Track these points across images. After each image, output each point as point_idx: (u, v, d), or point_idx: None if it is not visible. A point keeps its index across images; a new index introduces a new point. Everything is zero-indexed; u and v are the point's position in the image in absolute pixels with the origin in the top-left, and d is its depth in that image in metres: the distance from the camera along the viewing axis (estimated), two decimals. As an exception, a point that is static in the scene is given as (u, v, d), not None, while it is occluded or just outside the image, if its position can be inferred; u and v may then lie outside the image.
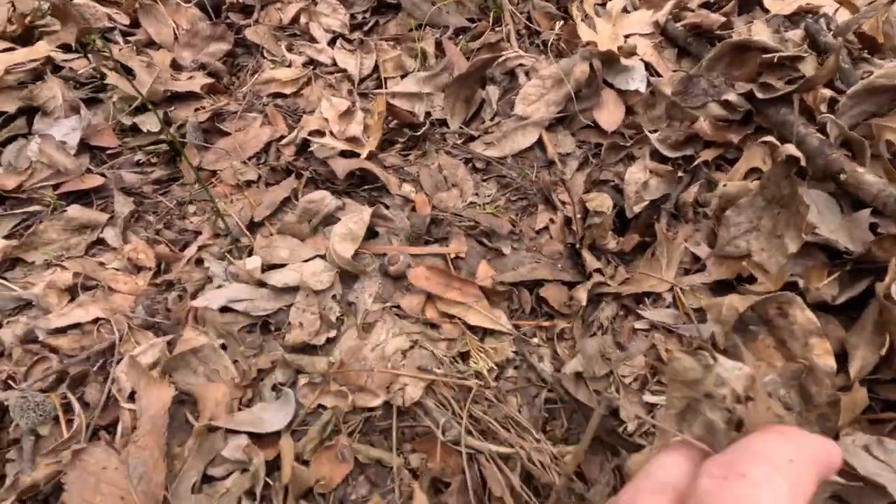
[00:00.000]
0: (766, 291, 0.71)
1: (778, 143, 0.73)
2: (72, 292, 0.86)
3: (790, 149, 0.69)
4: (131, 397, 0.73)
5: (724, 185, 0.81)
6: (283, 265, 0.86)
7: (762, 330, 0.69)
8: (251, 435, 0.69)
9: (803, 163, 0.68)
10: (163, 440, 0.65)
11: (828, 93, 0.84)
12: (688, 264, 0.83)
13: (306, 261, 0.87)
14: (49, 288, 0.83)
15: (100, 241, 0.97)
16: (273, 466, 0.69)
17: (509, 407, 0.70)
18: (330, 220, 0.94)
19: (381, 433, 0.71)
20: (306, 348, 0.77)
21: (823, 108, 0.82)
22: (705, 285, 0.80)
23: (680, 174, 0.95)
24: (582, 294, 0.80)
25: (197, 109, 1.18)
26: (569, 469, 0.64)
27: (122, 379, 0.73)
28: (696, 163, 0.94)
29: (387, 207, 0.98)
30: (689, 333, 0.75)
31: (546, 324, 0.81)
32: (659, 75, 1.10)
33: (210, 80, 1.24)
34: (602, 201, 0.94)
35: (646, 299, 0.81)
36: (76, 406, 0.73)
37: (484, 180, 1.07)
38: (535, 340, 0.79)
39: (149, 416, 0.68)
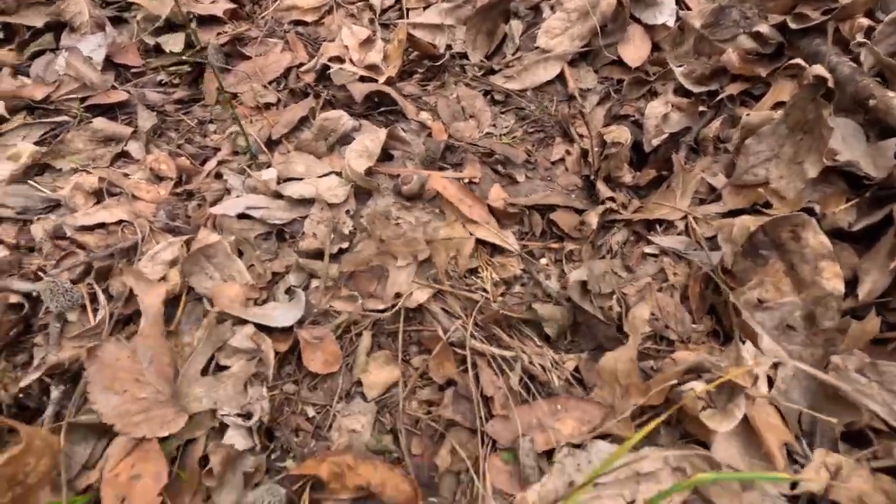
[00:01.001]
0: (781, 217, 0.70)
1: (806, 65, 0.70)
2: (97, 196, 0.89)
3: (818, 69, 0.67)
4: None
5: (748, 115, 0.79)
6: (299, 179, 0.88)
7: (773, 254, 0.68)
8: (261, 328, 0.72)
9: (831, 84, 0.66)
10: (161, 327, 0.69)
11: (865, 21, 0.81)
12: (703, 195, 0.83)
13: (321, 176, 0.88)
14: (76, 189, 0.87)
15: (124, 154, 0.99)
16: (282, 361, 0.72)
17: (513, 318, 0.71)
18: (346, 139, 0.95)
19: (388, 336, 0.74)
20: (319, 255, 0.79)
21: (860, 37, 0.79)
22: (719, 214, 0.79)
23: (702, 109, 0.93)
24: (593, 218, 0.80)
25: (219, 34, 1.19)
26: (567, 373, 0.66)
27: (146, 271, 0.77)
28: (720, 97, 0.92)
29: (403, 132, 0.98)
30: (698, 259, 0.75)
31: (555, 245, 0.82)
32: (688, 9, 1.06)
33: (232, 6, 1.23)
34: (620, 133, 0.93)
35: (657, 226, 0.81)
36: (101, 297, 0.76)
37: (502, 113, 1.07)
38: (543, 261, 0.80)
39: (153, 310, 0.71)
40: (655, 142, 0.91)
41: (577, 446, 0.57)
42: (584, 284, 0.68)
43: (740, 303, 0.65)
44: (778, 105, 0.85)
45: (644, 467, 0.53)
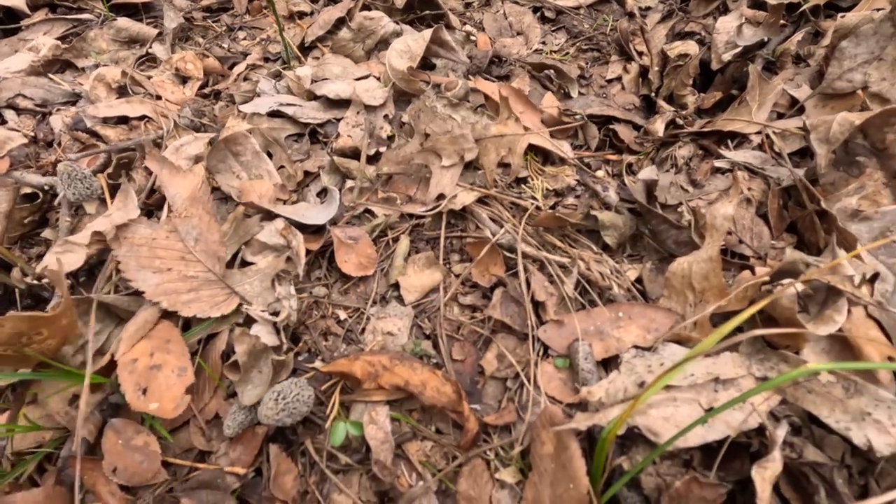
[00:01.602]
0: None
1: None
2: (120, 92, 0.84)
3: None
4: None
5: (842, 17, 0.70)
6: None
7: (871, 161, 0.60)
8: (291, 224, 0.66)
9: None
10: (209, 205, 0.62)
11: None
12: (782, 107, 0.74)
13: (359, 79, 0.81)
14: (97, 81, 0.81)
15: (148, 57, 0.94)
16: (311, 264, 0.67)
17: (568, 225, 0.64)
18: (385, 44, 0.87)
19: (427, 241, 0.67)
20: (355, 155, 0.72)
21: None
22: (800, 129, 0.70)
23: (781, 22, 0.84)
24: (659, 125, 0.72)
25: (250, -58, 1.11)
26: (628, 282, 0.59)
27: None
28: (802, 8, 0.82)
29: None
30: (776, 175, 0.67)
31: (613, 157, 0.74)
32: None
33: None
34: (687, 47, 0.84)
35: (728, 141, 0.73)
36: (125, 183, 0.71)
37: (553, 30, 0.98)
38: (600, 173, 0.73)
39: (183, 196, 0.65)
40: (727, 57, 0.82)
41: (647, 349, 0.50)
42: (651, 187, 0.60)
43: (834, 210, 0.57)
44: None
45: (724, 373, 0.46)
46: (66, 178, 0.68)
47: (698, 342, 0.50)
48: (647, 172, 0.61)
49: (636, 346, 0.51)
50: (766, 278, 0.48)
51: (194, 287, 0.56)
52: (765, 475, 0.40)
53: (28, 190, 0.72)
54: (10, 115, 0.80)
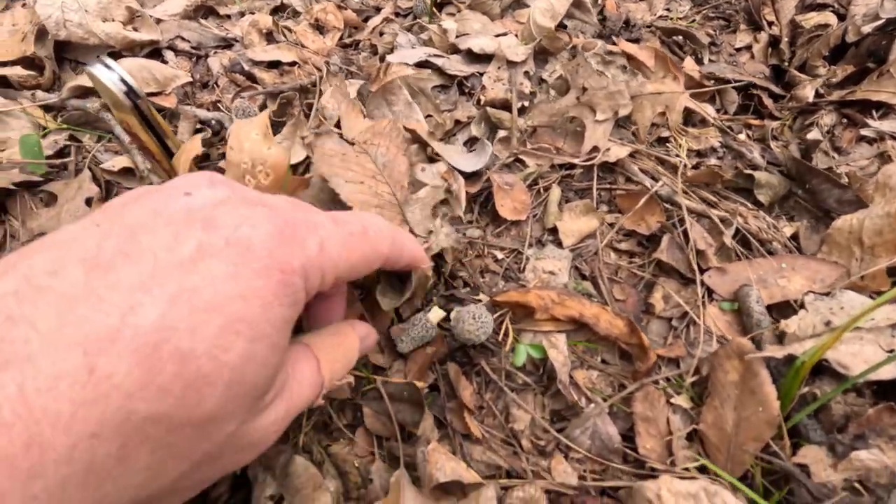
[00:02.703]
0: None
1: None
2: (269, 39, 0.88)
3: None
4: (337, 125, 0.75)
5: None
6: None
7: None
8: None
9: None
10: (398, 140, 0.65)
11: None
12: (930, 81, 0.74)
13: (498, 35, 0.84)
14: (251, 27, 0.85)
15: (283, 7, 0.98)
16: (466, 207, 0.70)
17: (722, 181, 0.67)
18: (518, 3, 0.90)
19: (576, 192, 0.71)
20: (504, 107, 0.76)
21: None
22: (951, 102, 0.71)
23: (926, -4, 0.83)
24: (808, 91, 0.73)
25: None
26: (785, 237, 0.61)
27: (330, 107, 0.76)
28: (951, -17, 0.82)
29: (577, 3, 0.92)
30: (926, 146, 0.68)
31: (755, 122, 0.76)
32: None
33: None
34: (825, 17, 0.84)
35: (873, 112, 0.74)
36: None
37: (676, -3, 0.99)
38: (742, 137, 0.75)
39: (364, 132, 0.69)
40: (866, 29, 0.82)
41: (825, 294, 0.53)
42: (811, 148, 0.63)
43: None
44: None
45: (903, 319, 0.49)
46: (241, 113, 0.73)
47: (869, 291, 0.53)
48: (812, 134, 0.63)
49: (812, 292, 0.54)
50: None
51: (380, 204, 0.60)
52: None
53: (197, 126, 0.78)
54: (169, 55, 0.85)
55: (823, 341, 0.45)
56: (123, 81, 0.49)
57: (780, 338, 0.51)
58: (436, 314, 0.58)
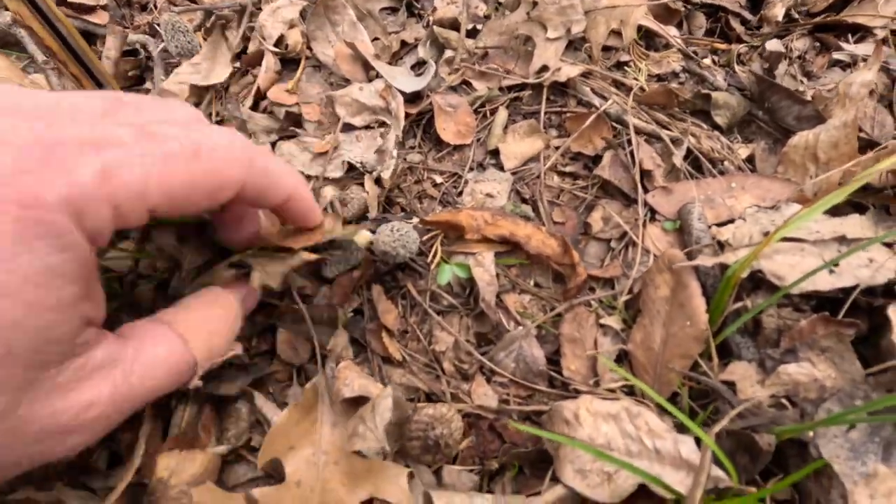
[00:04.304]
0: None
1: None
2: (212, -42, 0.83)
3: None
4: (276, 43, 0.71)
5: None
6: (429, -43, 0.78)
7: None
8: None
9: None
10: None
11: None
12: (913, 2, 0.69)
13: (454, -45, 0.78)
14: (192, -56, 0.80)
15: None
16: (407, 130, 0.66)
17: (678, 102, 0.62)
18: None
19: (525, 116, 0.66)
20: (453, 27, 0.71)
21: None
22: (932, 24, 0.66)
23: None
24: (778, 10, 0.68)
25: None
26: (740, 159, 0.57)
27: (268, 26, 0.71)
28: None
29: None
30: (901, 69, 0.63)
31: (722, 46, 0.71)
32: None
33: None
34: (807, -60, 0.78)
35: (849, 35, 0.69)
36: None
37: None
38: (706, 61, 0.70)
39: None
40: (850, -48, 0.76)
41: (770, 208, 0.49)
42: (774, 63, 0.58)
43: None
44: None
45: (851, 233, 0.45)
46: (169, 28, 0.68)
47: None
48: (772, 44, 0.58)
49: (756, 206, 0.50)
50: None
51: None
52: (898, 317, 0.39)
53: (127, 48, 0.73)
54: (106, -26, 0.80)
55: (758, 247, 0.41)
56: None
57: (720, 248, 0.47)
58: (362, 237, 0.54)
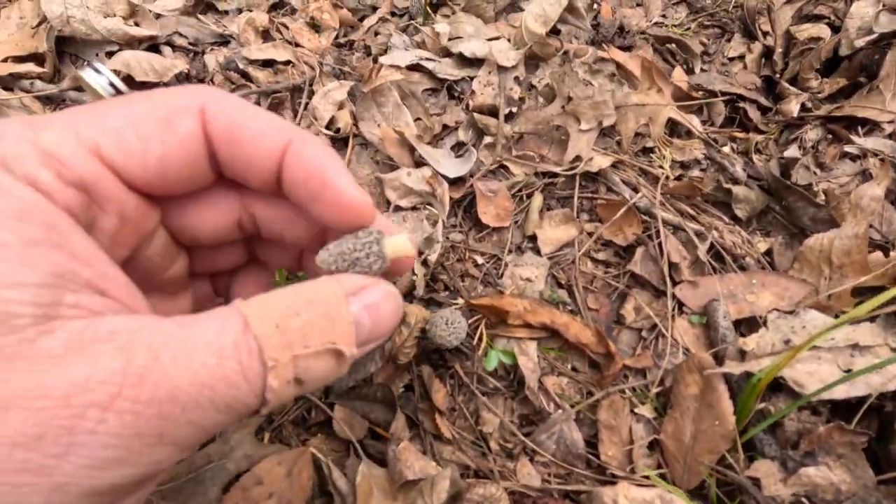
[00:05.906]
0: None
1: None
2: (265, 37, 0.89)
3: None
4: (328, 126, 0.77)
5: None
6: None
7: None
8: (437, 175, 0.71)
9: None
10: None
11: None
12: (918, 99, 0.75)
13: (490, 39, 0.84)
14: (248, 25, 0.87)
15: (281, 4, 0.98)
16: (449, 212, 0.72)
17: (701, 195, 0.68)
18: (512, 7, 0.90)
19: (559, 200, 0.72)
20: (492, 113, 0.77)
21: None
22: (937, 121, 0.71)
23: (922, 11, 0.83)
24: (793, 106, 0.74)
25: None
26: (759, 253, 0.62)
27: (320, 108, 0.77)
28: (947, -1, 0.81)
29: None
30: (908, 165, 0.68)
31: (740, 135, 0.76)
32: None
33: None
34: (818, 30, 0.84)
35: (859, 128, 0.74)
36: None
37: (674, 4, 0.99)
38: (726, 149, 0.75)
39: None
40: (859, 43, 0.82)
41: (788, 312, 0.54)
42: (789, 165, 0.63)
43: (976, 202, 0.59)
44: None
45: (863, 340, 0.50)
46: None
47: (834, 311, 0.54)
48: (790, 151, 0.63)
49: (777, 309, 0.55)
50: (916, 257, 0.51)
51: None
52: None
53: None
54: (166, 51, 0.86)
55: (781, 359, 0.46)
56: (112, 85, 0.51)
57: (743, 354, 0.52)
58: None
